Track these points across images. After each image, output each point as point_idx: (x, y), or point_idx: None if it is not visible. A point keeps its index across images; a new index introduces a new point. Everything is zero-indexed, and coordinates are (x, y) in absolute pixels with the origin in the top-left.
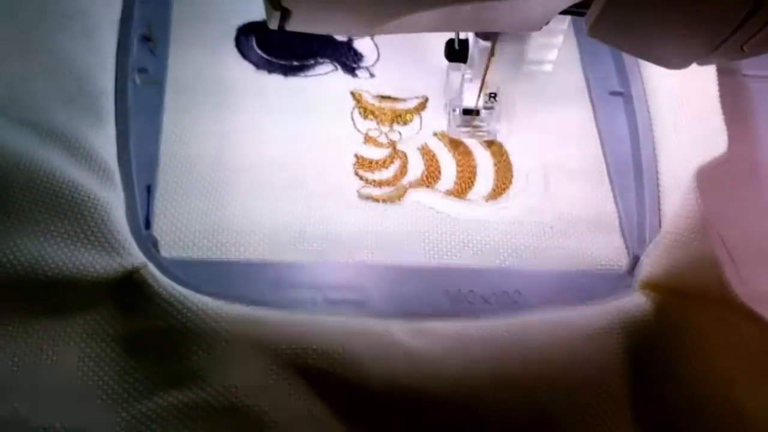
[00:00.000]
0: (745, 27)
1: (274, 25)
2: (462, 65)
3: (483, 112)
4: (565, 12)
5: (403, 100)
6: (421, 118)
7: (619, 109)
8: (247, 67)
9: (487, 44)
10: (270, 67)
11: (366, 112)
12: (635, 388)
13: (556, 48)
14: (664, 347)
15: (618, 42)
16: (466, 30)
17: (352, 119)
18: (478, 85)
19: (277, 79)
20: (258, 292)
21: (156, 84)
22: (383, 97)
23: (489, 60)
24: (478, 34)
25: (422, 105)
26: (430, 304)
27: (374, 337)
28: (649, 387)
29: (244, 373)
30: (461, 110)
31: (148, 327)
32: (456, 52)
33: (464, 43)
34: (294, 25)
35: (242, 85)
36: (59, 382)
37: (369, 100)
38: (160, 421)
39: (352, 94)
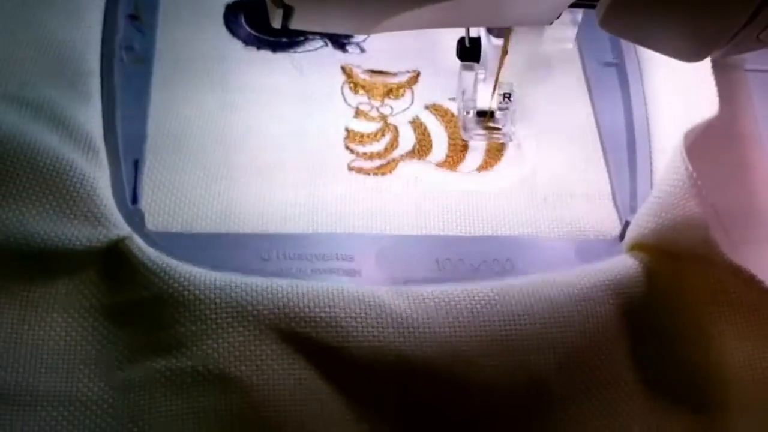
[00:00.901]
0: (759, 17)
1: (277, 24)
2: (474, 64)
3: (498, 113)
4: (575, 4)
5: (394, 74)
6: (412, 92)
7: (612, 80)
8: (236, 44)
9: (500, 42)
10: (259, 44)
11: (356, 86)
12: (624, 345)
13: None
14: (653, 306)
15: (630, 34)
16: (474, 26)
17: (342, 94)
18: (492, 85)
19: (265, 55)
20: (246, 263)
21: (143, 62)
22: (374, 72)
23: (502, 58)
24: (490, 31)
25: (414, 79)
26: (420, 272)
27: (360, 302)
28: (638, 345)
29: (229, 339)
30: (475, 112)
31: (132, 296)
32: (468, 51)
33: (476, 41)
34: (297, 23)
35: (231, 61)
36: (43, 349)
37: (360, 74)
38: (145, 387)
39: (343, 68)
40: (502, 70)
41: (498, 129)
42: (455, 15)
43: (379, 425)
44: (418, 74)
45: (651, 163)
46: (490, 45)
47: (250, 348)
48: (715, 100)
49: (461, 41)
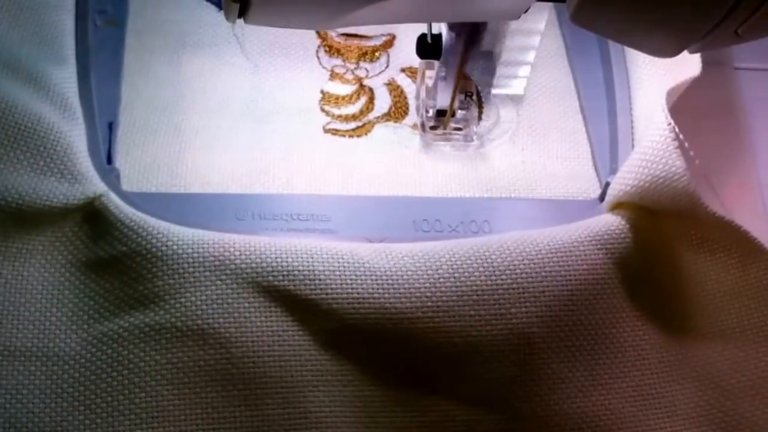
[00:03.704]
0: (737, 11)
1: (232, 19)
2: (435, 62)
3: (459, 113)
4: None
5: (369, 37)
6: (388, 55)
7: (591, 39)
8: (209, 8)
9: (462, 38)
10: None
11: (332, 50)
12: (608, 301)
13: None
14: (637, 261)
15: (602, 29)
16: (439, 20)
17: (317, 57)
18: (453, 83)
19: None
20: (220, 223)
21: (116, 25)
22: (349, 35)
23: (464, 55)
24: (452, 27)
25: (389, 42)
26: (397, 233)
27: (339, 257)
28: (622, 300)
29: (207, 293)
30: (435, 111)
31: (109, 251)
32: (428, 48)
33: (437, 37)
34: (253, 19)
35: (204, 25)
36: (20, 303)
37: (335, 38)
38: (122, 342)
39: (317, 32)
40: (464, 68)
41: (459, 129)
42: (419, 10)
43: (359, 377)
44: (394, 38)
45: (632, 125)
46: (451, 42)
47: (228, 302)
48: (698, 61)
49: (422, 38)
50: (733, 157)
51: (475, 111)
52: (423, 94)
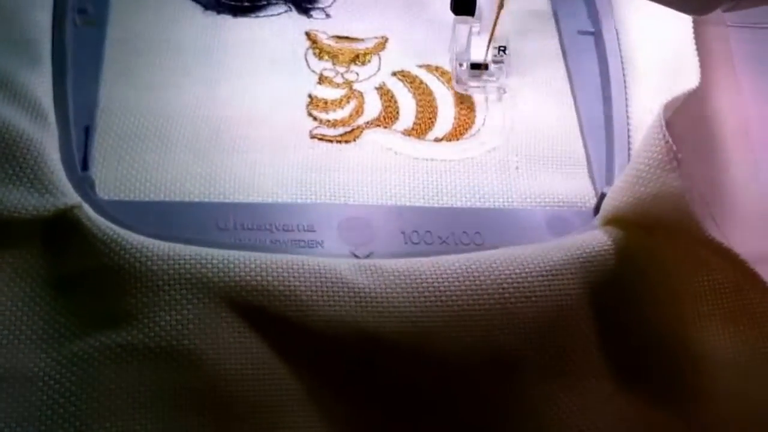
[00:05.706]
0: None
1: None
2: (469, 18)
3: (492, 66)
4: None
5: (361, 40)
6: (379, 58)
7: (589, 48)
8: (195, 8)
9: None
10: (219, 8)
11: (321, 53)
12: (596, 326)
13: None
14: (626, 285)
15: None
16: None
17: (306, 60)
18: (487, 38)
19: (225, 20)
20: (202, 233)
21: (97, 25)
22: (340, 38)
23: (498, 12)
24: None
25: (381, 45)
26: (385, 244)
27: (318, 274)
28: (611, 326)
29: (182, 312)
30: (469, 65)
31: (81, 267)
32: (463, 4)
33: None
34: None
35: (189, 26)
36: None
37: (325, 40)
38: (92, 362)
39: (307, 34)
40: (498, 23)
41: (491, 81)
42: None
43: (337, 399)
44: (386, 40)
45: (629, 134)
46: None
47: (204, 321)
48: (696, 69)
49: None
50: (725, 112)
51: (508, 63)
52: (456, 48)
